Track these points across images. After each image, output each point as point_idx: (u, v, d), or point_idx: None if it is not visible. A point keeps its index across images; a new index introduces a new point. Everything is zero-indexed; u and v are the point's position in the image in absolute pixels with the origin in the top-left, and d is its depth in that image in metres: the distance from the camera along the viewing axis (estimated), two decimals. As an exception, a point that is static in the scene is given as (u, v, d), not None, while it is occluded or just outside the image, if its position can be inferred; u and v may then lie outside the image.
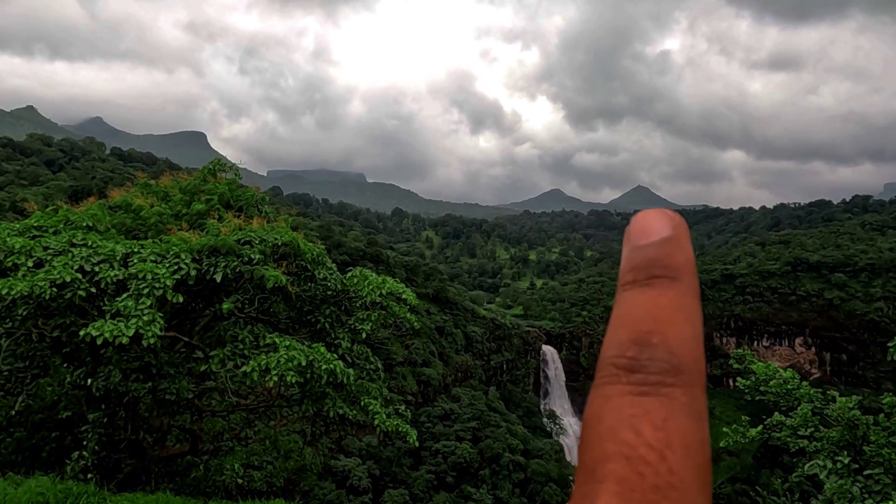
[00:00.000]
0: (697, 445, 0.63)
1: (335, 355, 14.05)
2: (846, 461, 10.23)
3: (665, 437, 0.62)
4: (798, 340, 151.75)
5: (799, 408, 11.76)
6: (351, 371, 13.97)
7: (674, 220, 0.71)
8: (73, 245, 12.94)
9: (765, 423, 12.27)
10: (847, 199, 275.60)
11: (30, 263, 12.24)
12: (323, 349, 13.74)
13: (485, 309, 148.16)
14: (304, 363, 12.94)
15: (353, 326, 15.94)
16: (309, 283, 15.83)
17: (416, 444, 16.42)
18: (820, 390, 12.32)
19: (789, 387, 12.22)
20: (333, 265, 16.52)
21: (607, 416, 0.64)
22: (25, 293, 11.58)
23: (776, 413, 12.22)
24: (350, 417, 15.81)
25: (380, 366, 18.40)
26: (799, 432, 11.53)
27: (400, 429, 15.76)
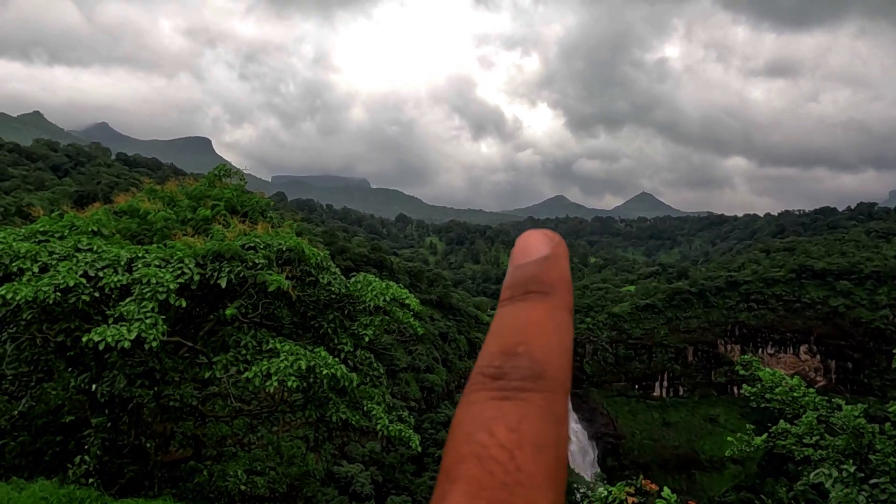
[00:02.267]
0: (550, 445, 0.67)
1: (338, 360, 14.04)
2: (852, 470, 10.16)
3: (517, 438, 0.66)
4: (803, 348, 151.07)
5: (804, 416, 11.70)
6: (354, 376, 13.96)
7: (553, 241, 0.75)
8: (78, 250, 12.98)
9: (770, 430, 12.21)
10: (852, 207, 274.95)
11: (35, 268, 12.28)
12: (325, 354, 13.73)
13: (488, 315, 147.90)
14: (305, 368, 12.94)
15: (356, 332, 15.93)
16: (312, 288, 15.84)
17: (419, 450, 16.38)
18: (825, 398, 12.25)
19: (795, 394, 12.15)
20: (337, 270, 16.53)
21: (467, 420, 0.67)
22: (30, 298, 11.62)
23: (781, 421, 12.15)
24: (353, 423, 15.79)
25: (383, 371, 18.37)
26: (804, 440, 11.46)
27: (403, 435, 15.73)
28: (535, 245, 0.74)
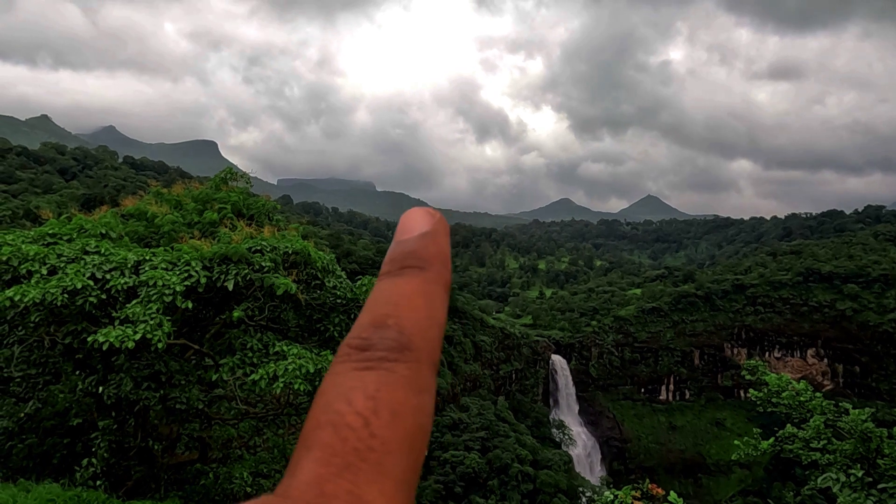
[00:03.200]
0: (409, 413, 0.68)
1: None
2: (860, 474, 10.11)
3: (374, 406, 0.68)
4: (810, 352, 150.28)
5: (811, 420, 11.65)
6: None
7: (434, 218, 0.77)
8: (86, 253, 13.05)
9: (777, 435, 12.16)
10: (859, 210, 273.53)
11: (43, 271, 12.36)
12: (332, 357, 13.75)
13: (494, 318, 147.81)
14: (311, 371, 12.97)
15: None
16: (319, 292, 15.88)
17: (425, 453, 16.35)
18: (833, 402, 12.20)
19: (802, 398, 12.10)
20: (343, 273, 16.56)
21: (328, 390, 0.69)
22: (38, 300, 11.69)
23: (788, 425, 12.11)
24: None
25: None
26: (811, 445, 11.41)
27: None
28: (416, 222, 0.76)
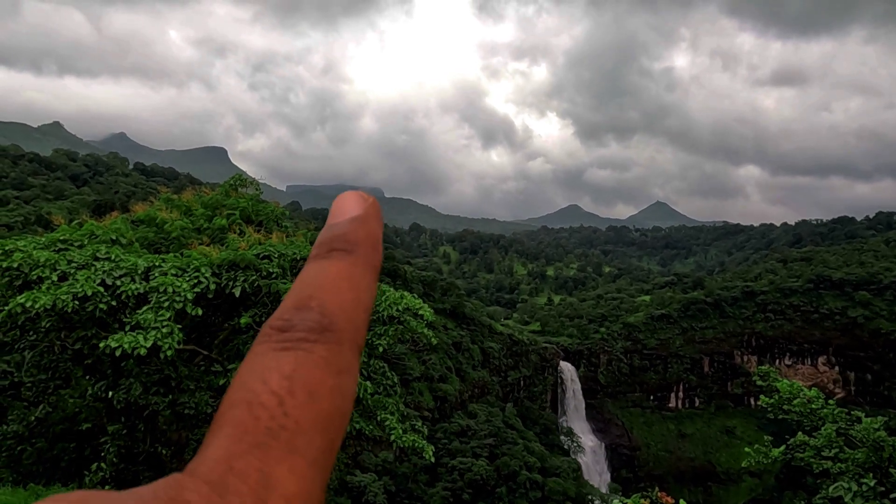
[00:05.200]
0: (326, 393, 0.68)
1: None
2: (872, 484, 10.00)
3: (289, 385, 0.68)
4: (821, 359, 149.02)
5: (823, 428, 11.55)
6: (368, 385, 13.98)
7: (366, 202, 0.77)
8: (97, 259, 13.14)
9: (788, 443, 12.06)
10: (870, 216, 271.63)
11: (54, 277, 12.45)
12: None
13: (502, 325, 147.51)
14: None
15: (370, 341, 15.96)
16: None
17: (433, 460, 16.33)
18: (844, 410, 12.09)
19: (813, 406, 12.00)
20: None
21: (245, 370, 0.68)
22: (49, 306, 11.77)
23: (799, 433, 12.01)
24: (366, 433, 15.79)
25: (396, 381, 18.37)
26: (823, 453, 11.31)
27: (416, 445, 15.71)
28: (348, 206, 0.76)
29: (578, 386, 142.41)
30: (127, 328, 12.23)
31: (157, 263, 13.42)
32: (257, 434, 0.68)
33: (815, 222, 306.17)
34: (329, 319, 0.68)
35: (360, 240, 0.72)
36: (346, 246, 0.72)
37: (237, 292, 13.52)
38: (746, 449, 12.86)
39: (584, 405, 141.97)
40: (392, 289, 16.94)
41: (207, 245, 15.24)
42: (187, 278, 13.07)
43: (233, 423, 0.68)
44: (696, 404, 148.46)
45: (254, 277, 13.80)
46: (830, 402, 12.24)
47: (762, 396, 13.05)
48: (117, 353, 11.67)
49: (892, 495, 9.86)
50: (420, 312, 16.42)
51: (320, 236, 0.74)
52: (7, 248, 12.72)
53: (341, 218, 0.75)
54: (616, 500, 11.45)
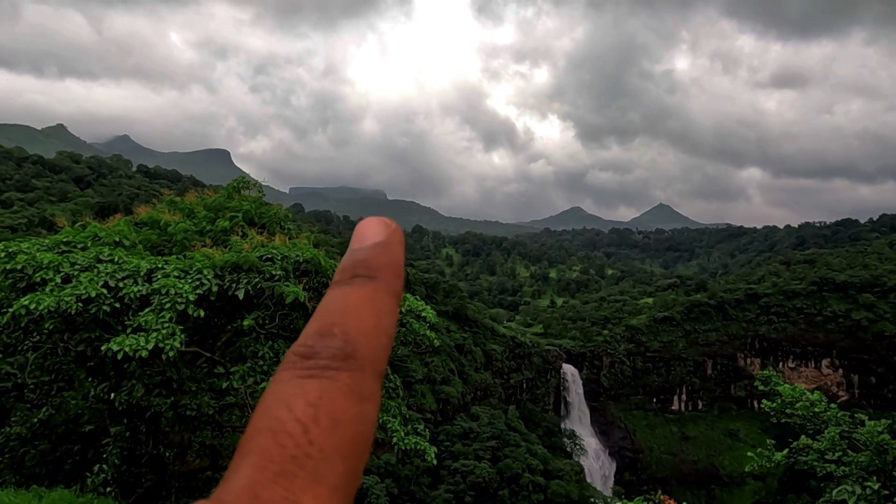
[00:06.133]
0: (349, 421, 0.69)
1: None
2: (875, 487, 9.96)
3: (314, 413, 0.69)
4: (825, 362, 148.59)
5: (826, 431, 11.52)
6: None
7: (389, 228, 0.78)
8: (100, 261, 13.17)
9: (791, 446, 12.04)
10: (874, 218, 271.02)
11: (58, 279, 12.48)
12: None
13: (504, 327, 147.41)
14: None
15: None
16: (329, 300, 15.87)
17: (435, 462, 16.31)
18: (848, 413, 12.06)
19: (816, 409, 11.97)
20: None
21: (270, 398, 0.69)
22: (52, 308, 11.80)
23: (803, 436, 11.98)
24: (369, 435, 15.73)
25: (399, 383, 18.37)
26: (826, 456, 11.27)
27: (419, 447, 15.69)
28: (370, 231, 0.77)
29: (581, 388, 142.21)
30: (129, 330, 12.25)
31: (159, 265, 13.44)
32: (283, 462, 0.69)
33: (818, 225, 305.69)
34: (352, 346, 0.69)
35: (382, 266, 0.73)
36: (368, 272, 0.72)
37: (240, 294, 13.53)
38: (750, 452, 12.85)
39: (586, 408, 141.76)
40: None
41: (210, 247, 15.27)
42: (190, 280, 13.09)
43: (258, 452, 0.69)
44: (699, 407, 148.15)
45: (256, 280, 13.81)
46: (832, 405, 12.21)
47: (765, 400, 13.04)
48: (119, 356, 11.69)
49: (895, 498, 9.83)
50: (423, 314, 16.42)
51: (343, 262, 0.75)
52: (11, 250, 12.75)
53: (364, 244, 0.76)
54: (619, 503, 11.44)
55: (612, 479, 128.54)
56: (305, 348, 0.69)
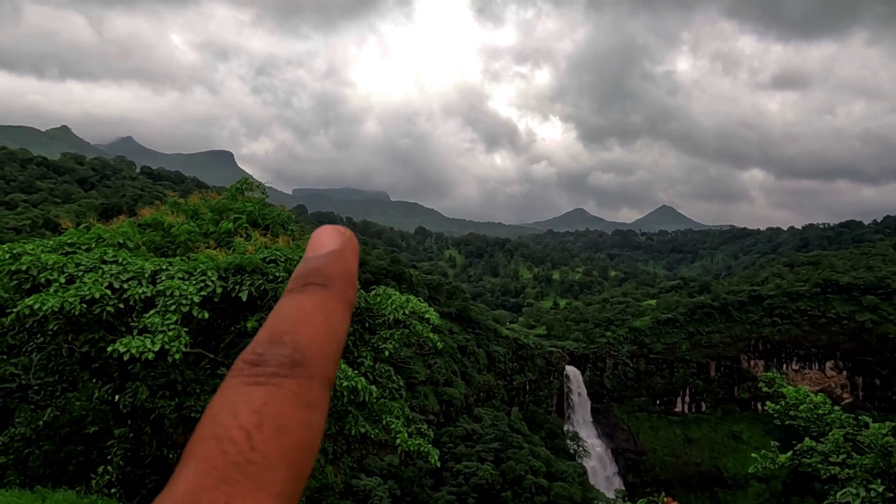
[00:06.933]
0: (294, 428, 0.69)
1: (357, 373, 14.09)
2: (880, 489, 9.93)
3: (258, 420, 0.69)
4: (829, 364, 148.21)
5: (830, 433, 11.48)
6: (373, 388, 13.98)
7: (343, 236, 0.79)
8: (104, 262, 13.21)
9: (795, 448, 12.00)
10: (878, 220, 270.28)
11: (62, 280, 12.52)
12: (345, 366, 13.79)
13: (507, 328, 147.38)
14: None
15: (375, 345, 15.97)
16: (332, 302, 15.89)
17: (438, 464, 16.31)
18: (852, 415, 12.02)
19: (820, 412, 11.94)
20: (356, 283, 16.60)
21: (216, 405, 0.70)
22: (56, 309, 11.84)
23: (807, 438, 11.95)
24: (372, 436, 15.78)
25: (402, 385, 18.38)
26: (830, 459, 11.24)
27: (422, 448, 15.70)
28: (325, 240, 0.78)
29: (584, 390, 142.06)
30: (134, 332, 12.29)
31: (163, 267, 13.48)
32: (225, 469, 0.69)
33: (822, 226, 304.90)
34: (301, 354, 0.69)
35: (335, 274, 0.74)
36: (321, 280, 0.73)
37: (244, 296, 13.56)
38: (753, 454, 12.81)
39: (590, 410, 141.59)
40: (398, 292, 16.95)
41: (214, 249, 15.30)
42: (194, 282, 13.12)
43: (201, 457, 0.69)
44: (703, 409, 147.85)
45: (260, 281, 13.84)
46: (836, 407, 12.18)
47: (768, 402, 13.00)
48: (125, 358, 11.72)
49: (900, 501, 9.80)
50: (426, 316, 16.42)
51: (297, 270, 0.75)
52: (15, 251, 12.80)
53: (318, 252, 0.76)
54: (622, 506, 11.43)
55: (616, 481, 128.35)
56: (254, 356, 0.70)
